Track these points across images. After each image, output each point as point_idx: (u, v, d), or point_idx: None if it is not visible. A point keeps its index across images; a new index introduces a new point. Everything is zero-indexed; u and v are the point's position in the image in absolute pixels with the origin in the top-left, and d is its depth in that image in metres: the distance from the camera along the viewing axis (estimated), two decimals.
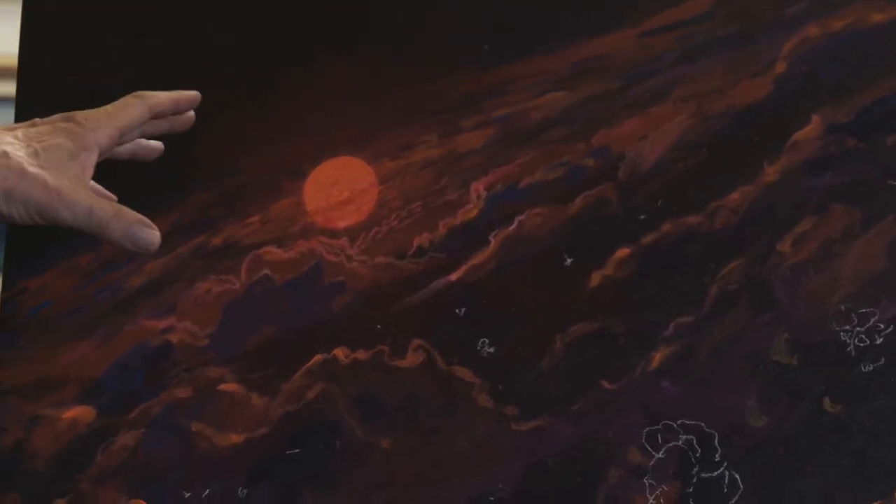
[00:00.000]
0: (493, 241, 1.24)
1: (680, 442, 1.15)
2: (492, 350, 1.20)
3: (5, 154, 1.01)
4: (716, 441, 1.14)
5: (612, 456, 1.15)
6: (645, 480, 1.13)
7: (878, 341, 1.15)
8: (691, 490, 1.13)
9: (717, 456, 1.14)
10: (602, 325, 1.20)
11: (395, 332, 1.21)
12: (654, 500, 1.13)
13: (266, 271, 1.25)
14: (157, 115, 1.17)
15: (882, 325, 1.16)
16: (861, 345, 1.16)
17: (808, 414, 1.14)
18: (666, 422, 1.15)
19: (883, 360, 1.15)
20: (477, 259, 1.24)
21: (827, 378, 1.15)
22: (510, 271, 1.23)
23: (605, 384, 1.17)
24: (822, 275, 1.19)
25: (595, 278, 1.22)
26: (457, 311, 1.22)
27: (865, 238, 1.20)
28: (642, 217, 1.23)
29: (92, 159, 1.08)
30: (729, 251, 1.21)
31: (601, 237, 1.23)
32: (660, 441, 1.14)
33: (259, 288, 1.25)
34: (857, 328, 1.16)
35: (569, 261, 1.22)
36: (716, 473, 1.13)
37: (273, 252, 1.26)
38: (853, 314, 1.17)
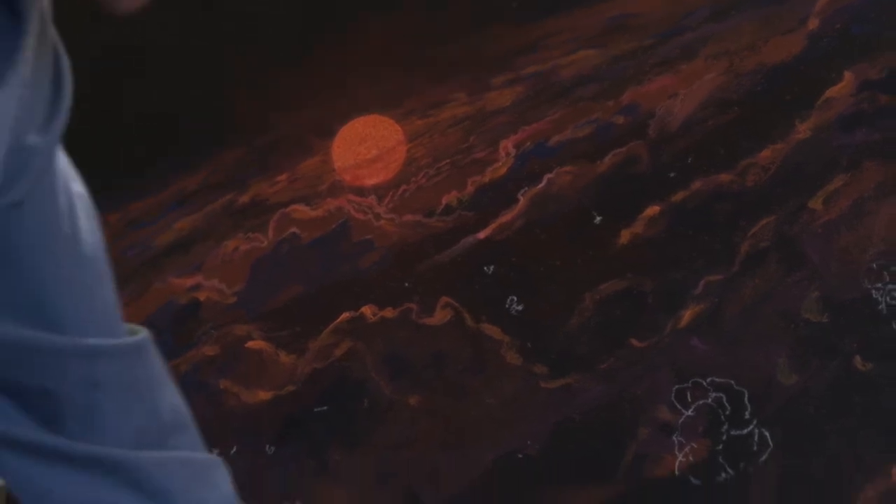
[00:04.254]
0: (522, 199, 1.23)
1: (709, 400, 1.14)
2: (520, 308, 1.19)
3: None
4: (745, 399, 1.13)
5: (641, 414, 1.14)
6: (674, 438, 1.13)
7: None
8: (720, 447, 1.12)
9: (746, 413, 1.13)
10: (631, 283, 1.19)
11: (422, 290, 1.21)
12: (683, 457, 1.12)
13: (294, 229, 1.24)
14: None
15: None
16: (893, 302, 1.15)
17: (838, 372, 1.13)
18: (695, 379, 1.15)
19: None
20: (505, 217, 1.23)
21: (858, 336, 1.14)
22: (539, 229, 1.22)
23: (635, 342, 1.16)
24: (854, 232, 1.18)
25: (624, 236, 1.21)
26: (485, 268, 1.21)
27: None
28: (672, 175, 1.22)
29: None
30: (759, 209, 1.20)
31: (631, 195, 1.22)
32: (689, 399, 1.14)
33: (287, 246, 1.24)
34: (889, 285, 1.15)
35: (598, 219, 1.22)
36: (745, 431, 1.13)
37: (301, 210, 1.25)
38: (885, 272, 1.16)
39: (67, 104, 0.75)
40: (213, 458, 0.87)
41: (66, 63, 0.76)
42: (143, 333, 0.80)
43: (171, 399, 0.85)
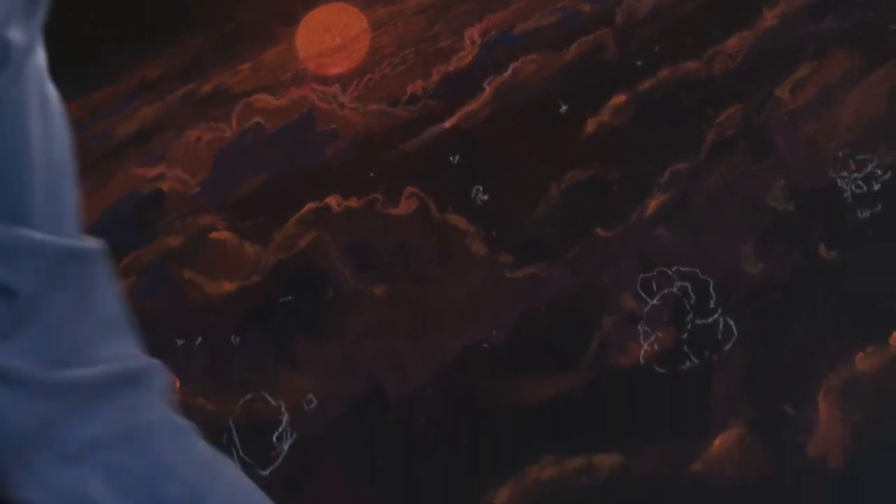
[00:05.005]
0: (488, 88, 1.22)
1: (674, 289, 1.14)
2: (486, 198, 1.19)
3: None
4: (711, 287, 1.14)
5: (606, 303, 1.14)
6: (639, 327, 1.13)
7: (876, 188, 1.15)
8: (685, 336, 1.13)
9: (711, 302, 1.13)
10: (597, 172, 1.19)
11: (387, 180, 1.20)
12: (648, 346, 1.13)
13: (257, 119, 1.23)
14: None
15: (879, 172, 1.15)
16: (858, 191, 1.15)
17: (803, 260, 1.14)
18: (661, 269, 1.15)
19: (880, 206, 1.14)
20: (471, 106, 1.22)
21: (823, 224, 1.14)
22: (504, 118, 1.21)
23: (600, 231, 1.16)
24: (821, 121, 1.18)
25: (590, 125, 1.20)
26: (451, 158, 1.20)
27: (865, 84, 1.18)
28: (639, 63, 1.21)
29: None
30: (726, 97, 1.19)
31: (597, 84, 1.21)
32: (654, 288, 1.14)
33: (250, 136, 1.23)
34: (855, 174, 1.15)
35: (564, 108, 1.21)
36: (710, 320, 1.13)
37: (264, 99, 1.24)
38: (851, 160, 1.16)
39: None
40: (150, 361, 0.86)
41: None
42: (97, 243, 0.79)
43: (115, 307, 0.84)
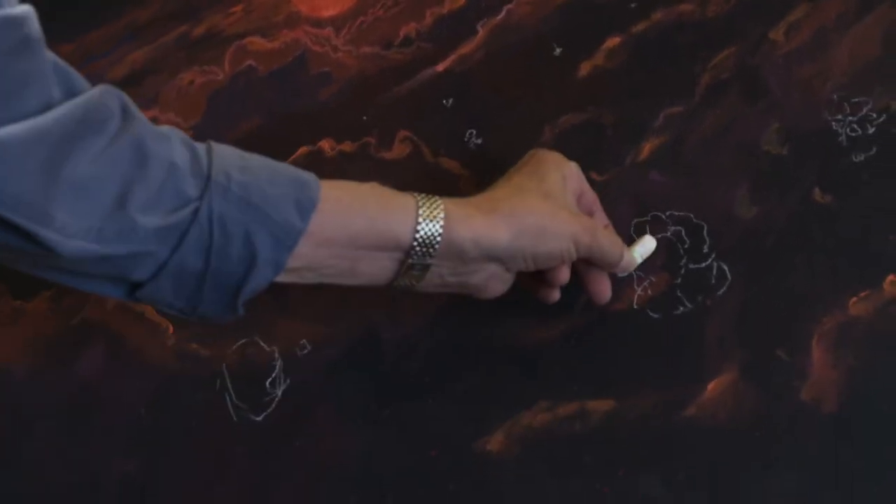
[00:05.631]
0: (481, 31, 1.22)
1: (668, 233, 1.14)
2: (479, 141, 1.18)
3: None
4: (705, 232, 1.13)
5: None
6: (633, 272, 1.13)
7: (871, 131, 1.14)
8: (679, 281, 1.13)
9: (705, 247, 1.13)
10: (591, 115, 1.18)
11: (381, 124, 1.20)
12: (641, 291, 1.13)
13: (250, 62, 1.23)
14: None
15: (874, 115, 1.14)
16: (853, 134, 1.14)
17: (797, 204, 1.13)
18: (655, 213, 1.15)
19: (874, 149, 1.14)
20: (464, 49, 1.21)
21: (818, 168, 1.14)
22: (498, 61, 1.21)
23: (594, 175, 1.16)
24: (815, 64, 1.17)
25: (584, 68, 1.20)
26: (444, 101, 1.20)
27: (860, 26, 1.17)
28: (633, 5, 1.20)
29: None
30: (721, 39, 1.18)
31: (591, 26, 1.21)
32: (648, 232, 1.14)
33: (243, 79, 1.23)
34: (850, 117, 1.15)
35: (558, 50, 1.20)
36: (704, 265, 1.13)
37: (257, 42, 1.23)
38: (845, 104, 1.15)
39: None
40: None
41: None
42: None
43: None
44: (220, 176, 0.88)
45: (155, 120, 1.21)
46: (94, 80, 0.86)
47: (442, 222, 0.95)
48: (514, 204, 0.99)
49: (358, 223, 0.94)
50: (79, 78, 0.84)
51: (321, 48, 1.23)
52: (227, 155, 0.90)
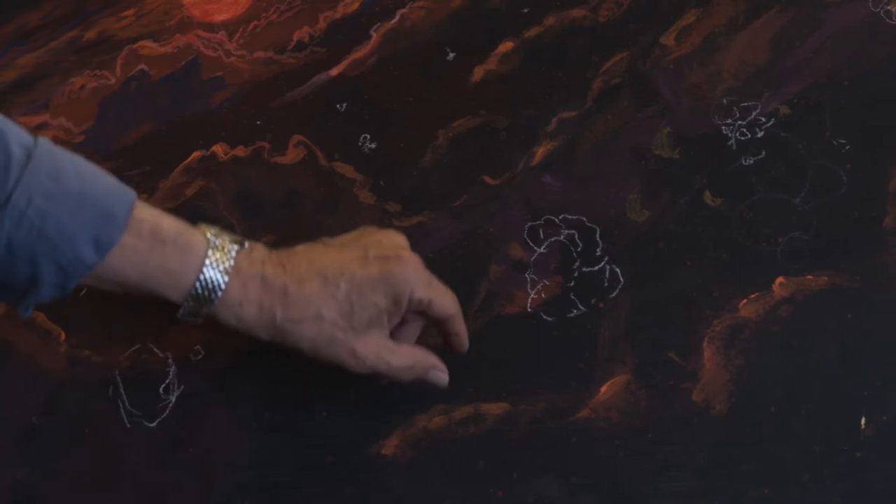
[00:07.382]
0: (375, 35, 1.22)
1: (562, 237, 1.15)
2: (373, 146, 1.18)
3: (319, 317, 1.00)
4: (597, 235, 1.14)
5: (493, 251, 1.15)
6: (526, 275, 1.13)
7: (759, 135, 1.16)
8: (572, 284, 1.13)
9: (598, 250, 1.14)
10: (484, 120, 1.19)
11: (275, 128, 1.19)
12: (535, 294, 1.13)
13: (142, 66, 1.22)
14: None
15: (763, 119, 1.16)
16: (742, 138, 1.16)
17: (688, 207, 1.15)
18: (548, 217, 1.15)
19: (763, 153, 1.15)
20: (358, 53, 1.21)
21: (708, 171, 1.15)
22: (392, 66, 1.21)
23: (488, 179, 1.16)
24: (705, 68, 1.18)
25: (478, 73, 1.20)
26: (338, 106, 1.20)
27: (749, 30, 1.19)
28: (525, 10, 1.21)
29: (395, 320, 1.05)
30: (612, 44, 1.20)
31: (484, 31, 1.21)
32: (541, 236, 1.14)
33: (135, 83, 1.22)
34: (739, 121, 1.16)
35: (451, 55, 1.21)
36: (597, 267, 1.14)
37: (149, 46, 1.23)
38: (735, 107, 1.17)
39: None
40: None
41: None
42: None
43: None
44: (21, 198, 0.87)
45: (45, 125, 1.20)
46: None
47: (221, 292, 0.98)
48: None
49: (149, 272, 0.96)
50: None
51: (214, 52, 1.22)
52: (42, 172, 0.89)
